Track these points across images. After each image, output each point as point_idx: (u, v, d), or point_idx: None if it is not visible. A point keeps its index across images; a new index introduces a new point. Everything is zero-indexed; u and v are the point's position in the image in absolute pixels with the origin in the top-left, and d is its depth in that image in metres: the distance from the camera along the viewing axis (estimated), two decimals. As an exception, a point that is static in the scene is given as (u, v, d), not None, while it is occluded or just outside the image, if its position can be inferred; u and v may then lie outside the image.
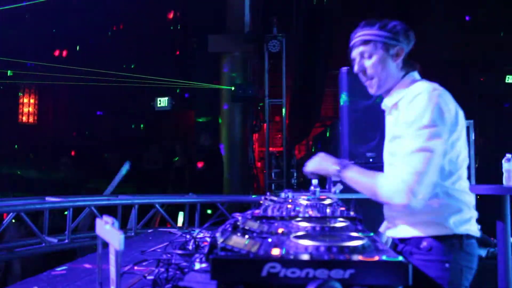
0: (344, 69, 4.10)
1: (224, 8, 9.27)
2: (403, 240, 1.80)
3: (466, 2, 9.50)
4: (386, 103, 1.87)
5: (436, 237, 1.70)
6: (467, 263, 1.71)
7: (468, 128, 4.38)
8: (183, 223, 5.94)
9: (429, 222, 1.71)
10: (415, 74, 1.84)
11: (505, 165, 3.42)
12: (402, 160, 1.66)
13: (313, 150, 9.56)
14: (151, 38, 10.87)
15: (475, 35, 9.48)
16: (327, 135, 8.10)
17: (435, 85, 1.73)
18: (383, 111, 1.95)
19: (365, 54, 1.81)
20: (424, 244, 1.71)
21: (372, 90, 1.86)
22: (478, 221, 1.80)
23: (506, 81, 9.99)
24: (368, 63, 1.81)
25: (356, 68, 1.85)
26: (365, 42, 1.80)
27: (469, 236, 1.72)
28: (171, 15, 11.16)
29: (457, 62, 9.36)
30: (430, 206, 1.68)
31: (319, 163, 1.91)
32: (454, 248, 1.69)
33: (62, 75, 9.26)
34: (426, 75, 1.85)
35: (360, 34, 1.82)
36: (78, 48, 10.42)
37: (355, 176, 1.77)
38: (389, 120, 1.89)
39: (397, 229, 1.82)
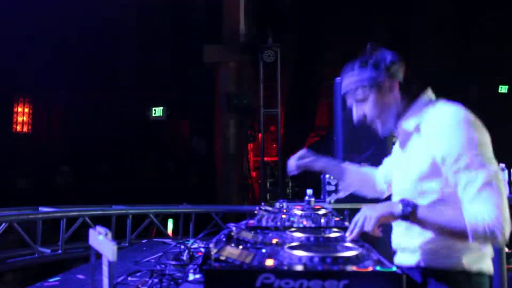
0: (339, 79, 4.11)
1: (219, 18, 9.32)
2: (409, 268, 1.65)
3: (459, 13, 9.59)
4: (404, 127, 1.69)
5: (442, 270, 1.57)
6: None
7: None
8: (173, 231, 5.91)
9: (441, 255, 1.58)
10: (429, 94, 1.70)
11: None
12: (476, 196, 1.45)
13: None
14: (146, 47, 10.89)
15: (469, 45, 9.56)
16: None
17: (463, 110, 1.60)
18: None
19: (358, 100, 1.71)
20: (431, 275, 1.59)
21: (380, 132, 1.73)
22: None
23: (499, 91, 10.08)
24: (365, 108, 1.70)
25: (355, 117, 1.75)
26: (354, 90, 1.69)
27: (481, 274, 1.59)
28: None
29: (450, 72, 9.43)
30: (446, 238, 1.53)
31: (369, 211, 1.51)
32: (461, 284, 1.56)
33: (57, 84, 9.25)
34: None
35: (346, 83, 1.72)
36: (72, 57, 10.38)
37: (430, 215, 1.48)
38: (408, 143, 1.71)
39: (403, 255, 1.69)
